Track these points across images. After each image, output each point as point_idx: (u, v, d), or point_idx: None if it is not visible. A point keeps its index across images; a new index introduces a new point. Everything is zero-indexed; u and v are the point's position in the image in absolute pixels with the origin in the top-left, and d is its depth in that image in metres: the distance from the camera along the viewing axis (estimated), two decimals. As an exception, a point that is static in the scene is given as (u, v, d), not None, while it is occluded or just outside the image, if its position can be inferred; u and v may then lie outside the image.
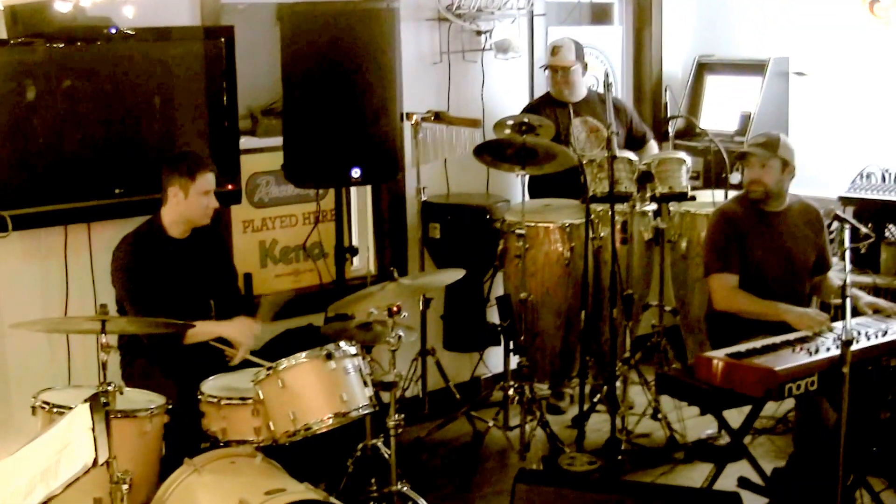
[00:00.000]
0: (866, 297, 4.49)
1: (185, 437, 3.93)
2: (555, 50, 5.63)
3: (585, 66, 5.76)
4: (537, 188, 5.59)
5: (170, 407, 3.82)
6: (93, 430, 2.86)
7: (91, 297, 4.47)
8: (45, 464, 2.91)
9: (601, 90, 5.59)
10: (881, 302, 4.44)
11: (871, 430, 4.25)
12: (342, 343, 3.91)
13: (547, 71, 5.71)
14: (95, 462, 2.77)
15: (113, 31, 4.22)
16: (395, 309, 3.98)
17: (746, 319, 4.38)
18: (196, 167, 4.24)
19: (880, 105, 5.78)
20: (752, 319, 4.35)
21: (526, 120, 4.95)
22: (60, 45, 4.22)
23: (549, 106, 5.64)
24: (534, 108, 5.65)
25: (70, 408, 3.42)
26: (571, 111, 5.65)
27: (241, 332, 4.19)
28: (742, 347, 3.98)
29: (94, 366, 4.45)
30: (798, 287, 4.54)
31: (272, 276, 5.30)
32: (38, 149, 4.26)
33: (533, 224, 5.12)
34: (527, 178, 5.03)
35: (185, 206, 4.24)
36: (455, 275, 4.28)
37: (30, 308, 4.40)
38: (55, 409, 3.66)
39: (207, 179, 4.25)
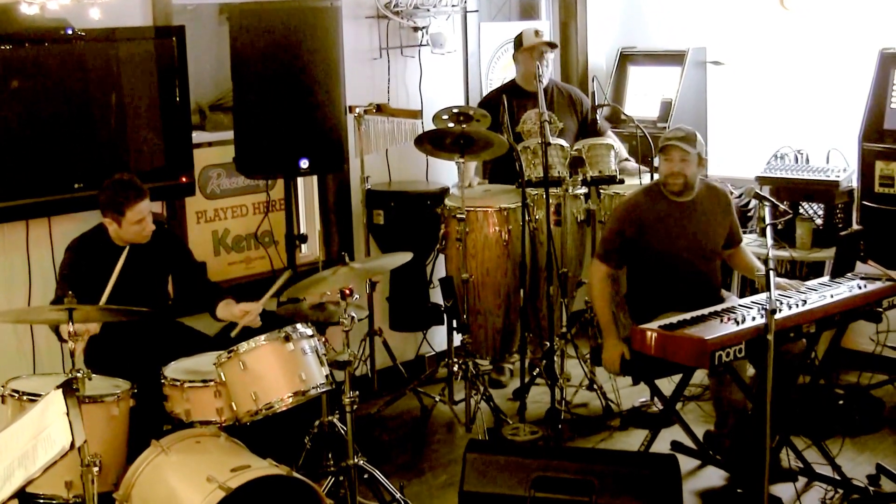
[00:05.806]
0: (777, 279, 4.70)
1: (149, 420, 4.04)
2: (537, 33, 5.59)
3: None
4: (498, 174, 5.79)
5: (135, 391, 3.91)
6: (67, 414, 2.93)
7: (52, 290, 4.51)
8: (22, 449, 2.97)
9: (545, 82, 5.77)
10: (782, 281, 4.58)
11: (793, 394, 4.47)
12: (299, 325, 4.04)
13: (520, 57, 5.64)
14: (73, 445, 2.84)
15: (69, 31, 4.33)
16: (347, 291, 4.09)
17: (661, 299, 4.57)
18: (124, 203, 4.23)
19: (792, 91, 6.05)
20: (666, 299, 4.54)
21: (462, 110, 5.09)
22: (19, 45, 4.30)
23: (514, 96, 5.63)
24: (494, 98, 5.56)
25: (40, 395, 3.49)
26: (538, 100, 5.52)
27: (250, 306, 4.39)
28: (674, 319, 4.13)
29: (58, 354, 4.58)
30: (705, 267, 4.69)
31: (225, 263, 5.42)
32: (-3, 146, 4.33)
33: (473, 208, 5.28)
34: (473, 165, 5.20)
35: (121, 232, 4.31)
36: (403, 257, 4.41)
37: (-6, 301, 4.49)
38: (25, 397, 3.73)
39: (138, 210, 4.26)
